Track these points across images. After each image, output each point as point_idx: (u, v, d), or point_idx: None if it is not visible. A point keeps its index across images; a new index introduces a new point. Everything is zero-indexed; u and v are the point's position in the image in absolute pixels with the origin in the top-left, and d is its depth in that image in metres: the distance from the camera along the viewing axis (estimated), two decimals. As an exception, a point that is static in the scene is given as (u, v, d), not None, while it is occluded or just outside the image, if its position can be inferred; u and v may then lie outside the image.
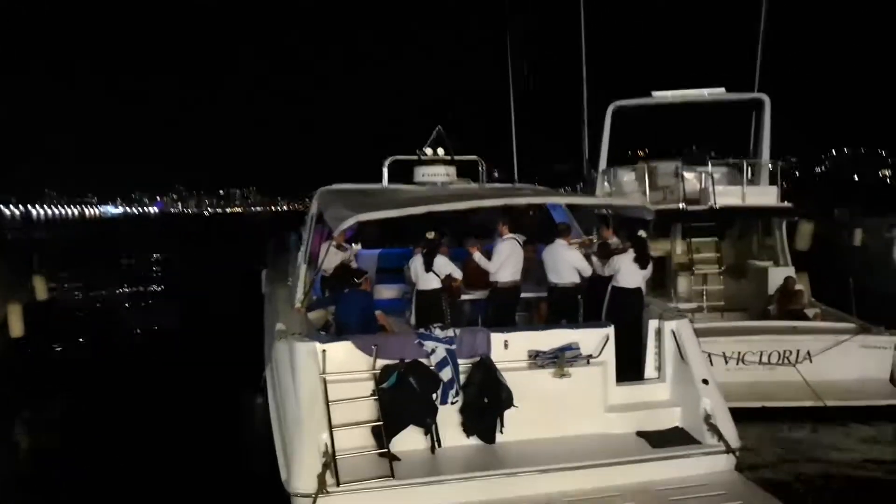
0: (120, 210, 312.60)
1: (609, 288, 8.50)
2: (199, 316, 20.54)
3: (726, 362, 10.98)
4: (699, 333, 10.94)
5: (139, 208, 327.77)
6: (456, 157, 10.52)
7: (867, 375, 10.93)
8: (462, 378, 6.94)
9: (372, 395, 6.67)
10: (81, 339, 17.51)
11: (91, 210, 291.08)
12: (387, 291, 10.76)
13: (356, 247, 12.12)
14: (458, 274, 8.90)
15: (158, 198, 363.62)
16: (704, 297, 13.76)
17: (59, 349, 16.38)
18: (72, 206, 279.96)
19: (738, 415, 9.71)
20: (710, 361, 10.65)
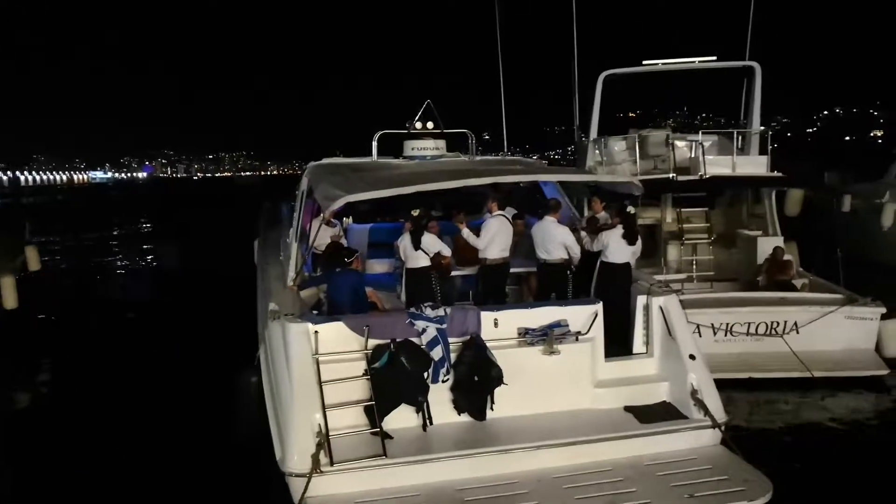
0: (108, 175, 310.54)
1: (598, 263, 8.60)
2: (191, 286, 20.55)
3: (714, 333, 11.10)
4: (688, 305, 11.14)
5: (128, 173, 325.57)
6: (445, 131, 10.49)
7: (853, 346, 11.10)
8: (453, 356, 7.00)
9: (364, 374, 6.74)
10: (75, 312, 17.52)
11: (80, 175, 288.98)
12: (378, 266, 10.81)
13: (347, 220, 12.14)
14: (446, 251, 8.93)
15: (147, 162, 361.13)
16: (694, 267, 13.85)
17: (52, 321, 16.42)
18: (60, 172, 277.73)
19: (727, 385, 9.93)
20: (699, 332, 10.90)
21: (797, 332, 11.05)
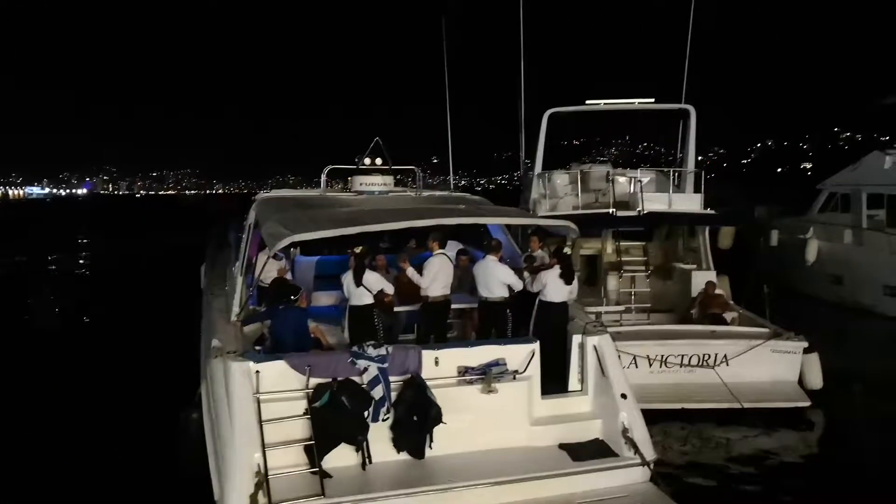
0: (46, 191, 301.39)
1: (536, 302, 8.85)
2: (134, 311, 20.03)
3: (650, 364, 11.49)
4: (626, 336, 11.65)
5: (67, 189, 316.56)
6: (393, 167, 10.74)
7: (778, 378, 11.58)
8: (393, 395, 7.11)
9: (305, 413, 6.80)
10: (8, 336, 16.98)
11: (15, 190, 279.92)
12: (325, 298, 10.85)
13: (295, 251, 12.21)
14: (389, 289, 9.04)
15: (87, 178, 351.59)
16: (633, 298, 14.35)
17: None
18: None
19: (661, 416, 10.35)
20: (636, 364, 11.36)
21: (727, 364, 11.47)
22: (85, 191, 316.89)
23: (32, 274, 29.96)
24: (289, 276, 10.40)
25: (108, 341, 16.23)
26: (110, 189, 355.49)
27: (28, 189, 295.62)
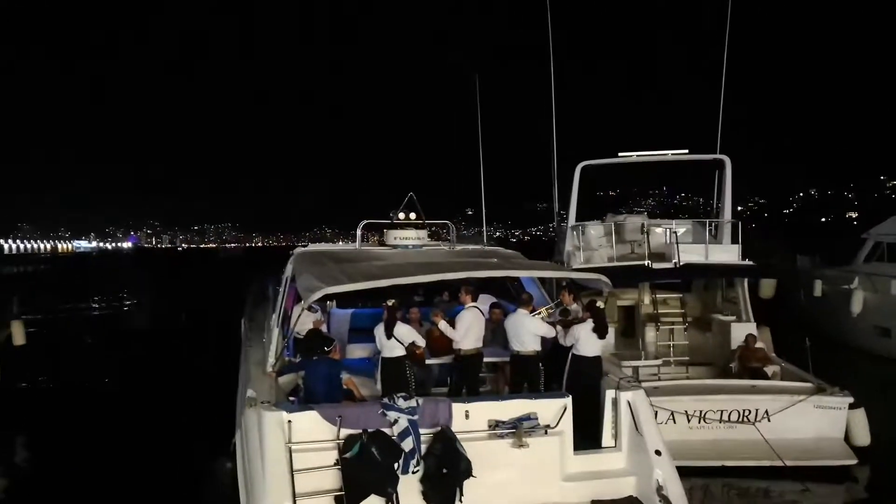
0: (93, 244, 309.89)
1: (569, 356, 8.79)
2: (175, 364, 20.27)
3: (689, 420, 11.23)
4: (663, 392, 11.49)
5: (112, 243, 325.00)
6: (427, 221, 10.93)
7: (823, 434, 11.20)
8: (423, 448, 7.10)
9: (336, 464, 6.83)
10: (55, 391, 17.30)
11: (64, 244, 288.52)
12: (359, 351, 10.98)
13: (331, 304, 12.42)
14: (420, 342, 9.13)
15: (132, 232, 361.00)
16: (672, 351, 14.16)
17: (31, 397, 16.31)
18: (44, 241, 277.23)
19: (700, 473, 10.17)
20: (674, 419, 11.15)
21: (769, 420, 11.16)
22: (130, 244, 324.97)
23: (74, 322, 30.74)
24: (324, 328, 10.56)
25: (148, 391, 16.57)
26: (153, 242, 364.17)
27: (76, 243, 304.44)
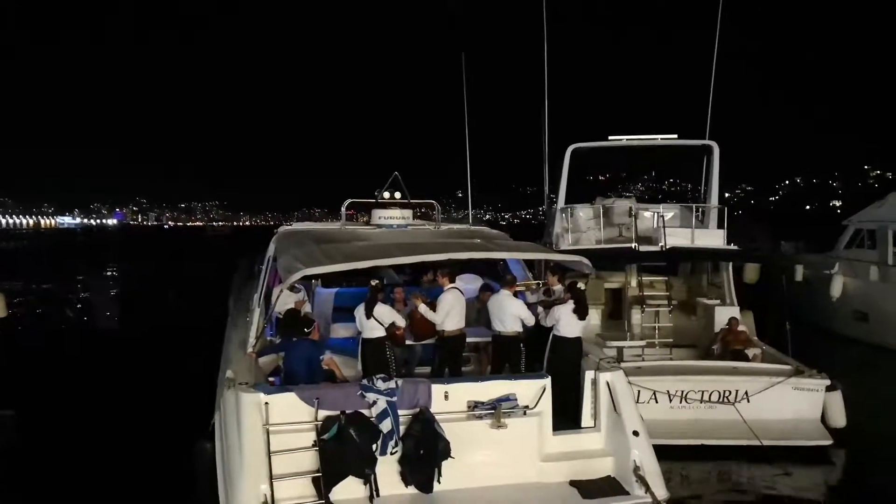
0: (77, 221, 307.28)
1: (550, 336, 8.76)
2: (159, 341, 20.13)
3: (670, 400, 11.36)
4: (646, 371, 11.58)
5: (97, 219, 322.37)
6: (412, 200, 10.88)
7: (801, 416, 11.34)
8: (402, 429, 7.07)
9: (313, 445, 6.80)
10: (36, 364, 17.22)
11: (47, 220, 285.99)
12: (343, 330, 10.88)
13: (316, 282, 12.41)
14: (401, 322, 9.01)
15: (118, 209, 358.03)
16: (657, 332, 14.28)
17: (13, 370, 16.20)
18: (27, 216, 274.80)
19: (680, 451, 10.25)
20: (656, 399, 11.24)
21: (748, 401, 11.27)
22: (115, 221, 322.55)
23: (59, 302, 30.48)
24: (307, 307, 10.55)
25: (129, 369, 16.44)
26: (139, 220, 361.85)
27: (60, 219, 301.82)
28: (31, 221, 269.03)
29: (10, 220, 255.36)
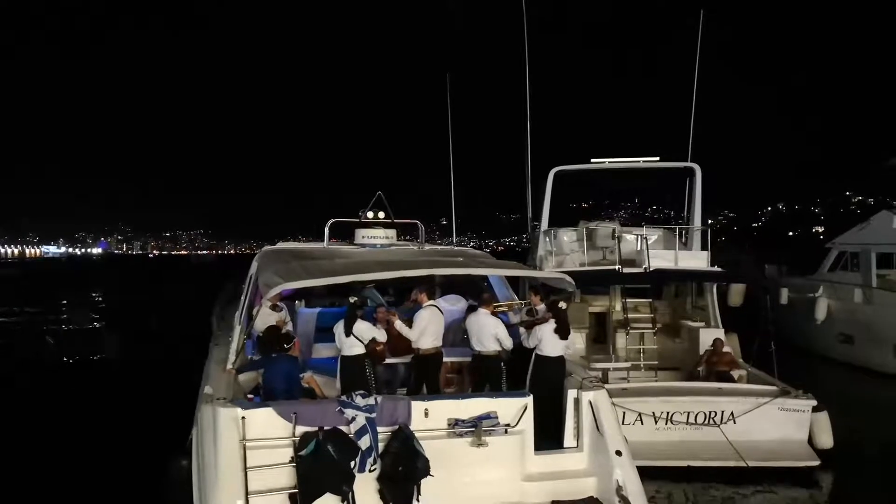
0: (62, 250, 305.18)
1: (532, 356, 8.61)
2: (143, 359, 20.29)
3: (655, 422, 11.26)
4: (631, 393, 11.47)
5: (82, 248, 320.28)
6: (396, 220, 10.83)
7: (787, 437, 11.24)
8: (381, 446, 6.92)
9: (291, 461, 6.63)
10: (16, 380, 17.39)
11: (32, 249, 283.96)
12: (325, 350, 10.70)
13: (300, 304, 12.32)
14: (381, 337, 8.81)
15: (102, 238, 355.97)
16: (642, 355, 14.20)
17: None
18: (12, 246, 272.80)
19: (666, 473, 10.15)
20: (641, 421, 11.13)
21: (734, 422, 11.18)
22: (100, 250, 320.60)
23: (45, 325, 30.32)
24: (289, 327, 10.45)
25: (112, 389, 16.48)
26: (124, 249, 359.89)
27: (45, 248, 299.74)
28: (15, 251, 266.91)
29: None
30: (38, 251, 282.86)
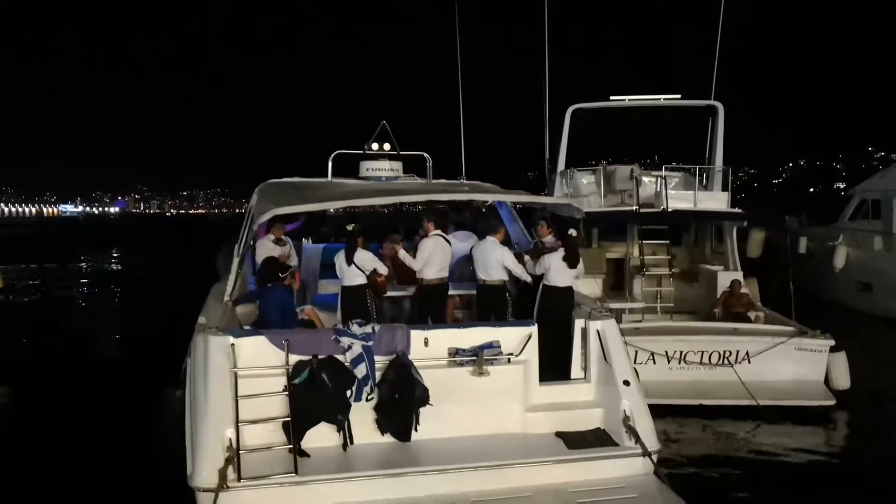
0: (79, 209, 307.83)
1: (540, 286, 8.26)
2: (151, 312, 20.31)
3: (669, 361, 11.03)
4: (644, 332, 11.14)
5: (99, 208, 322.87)
6: (402, 153, 10.42)
7: (803, 377, 10.94)
8: (379, 375, 6.66)
9: (284, 390, 6.38)
10: (23, 325, 17.72)
11: (49, 208, 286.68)
12: (331, 286, 10.44)
13: (307, 240, 12.14)
14: (382, 269, 8.47)
15: (120, 197, 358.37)
16: (658, 298, 13.90)
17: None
18: (29, 205, 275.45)
19: (678, 411, 9.95)
20: (654, 360, 10.87)
21: (749, 362, 10.92)
22: (117, 209, 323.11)
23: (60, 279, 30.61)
24: (294, 261, 10.28)
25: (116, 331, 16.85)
26: (142, 208, 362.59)
27: (62, 207, 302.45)
28: (33, 210, 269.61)
29: (13, 209, 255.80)
30: (55, 210, 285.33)
